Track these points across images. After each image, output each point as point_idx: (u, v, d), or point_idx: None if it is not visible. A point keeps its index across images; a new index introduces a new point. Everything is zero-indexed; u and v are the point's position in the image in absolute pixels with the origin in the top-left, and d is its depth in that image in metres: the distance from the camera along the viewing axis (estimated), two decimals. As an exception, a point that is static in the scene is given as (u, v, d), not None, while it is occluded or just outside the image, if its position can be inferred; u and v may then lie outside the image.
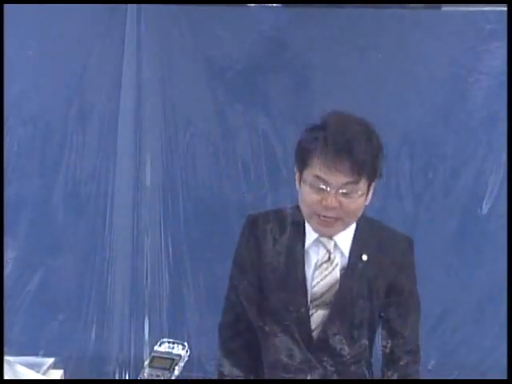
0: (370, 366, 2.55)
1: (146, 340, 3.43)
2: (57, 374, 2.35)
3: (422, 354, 3.42)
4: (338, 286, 2.40)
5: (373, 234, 2.42)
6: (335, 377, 2.44)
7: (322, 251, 2.42)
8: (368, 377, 2.54)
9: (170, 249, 3.42)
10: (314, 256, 2.42)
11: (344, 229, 2.39)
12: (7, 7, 3.00)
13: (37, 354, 2.53)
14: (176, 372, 1.90)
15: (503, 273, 3.09)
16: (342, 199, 2.31)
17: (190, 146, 3.47)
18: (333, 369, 2.44)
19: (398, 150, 3.44)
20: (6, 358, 2.18)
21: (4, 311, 2.84)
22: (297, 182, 2.40)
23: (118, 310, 3.45)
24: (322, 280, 2.41)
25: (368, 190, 2.37)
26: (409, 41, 3.40)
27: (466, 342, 3.46)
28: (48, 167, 3.48)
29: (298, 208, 2.41)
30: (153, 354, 1.93)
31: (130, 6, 3.41)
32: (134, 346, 3.44)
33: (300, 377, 2.44)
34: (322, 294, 2.42)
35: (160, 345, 1.95)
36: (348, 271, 2.40)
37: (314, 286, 2.41)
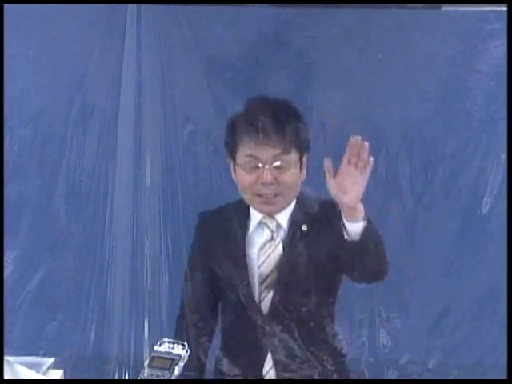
0: (334, 335, 2.57)
1: (145, 340, 3.43)
2: (57, 374, 2.35)
3: (422, 353, 3.45)
4: (281, 261, 2.44)
5: (311, 206, 2.44)
6: (295, 354, 2.49)
7: (266, 232, 2.50)
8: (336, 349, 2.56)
9: (170, 249, 3.41)
10: (259, 238, 2.51)
11: (286, 205, 2.47)
12: (7, 7, 3.01)
13: (37, 354, 2.54)
14: (176, 372, 1.90)
15: (503, 272, 3.09)
16: (277, 173, 2.41)
17: (190, 145, 3.47)
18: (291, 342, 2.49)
19: (397, 150, 3.45)
20: (6, 358, 2.18)
21: (4, 311, 2.84)
22: (233, 173, 2.50)
23: (118, 310, 3.45)
24: (266, 259, 2.49)
25: (301, 163, 2.45)
26: (409, 41, 3.40)
27: (466, 341, 3.46)
28: (48, 167, 3.48)
29: (242, 200, 2.51)
30: (153, 354, 1.94)
31: (130, 6, 3.40)
32: (133, 346, 3.44)
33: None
34: (269, 274, 2.48)
35: (160, 345, 1.96)
36: (289, 245, 2.47)
37: (260, 266, 2.49)
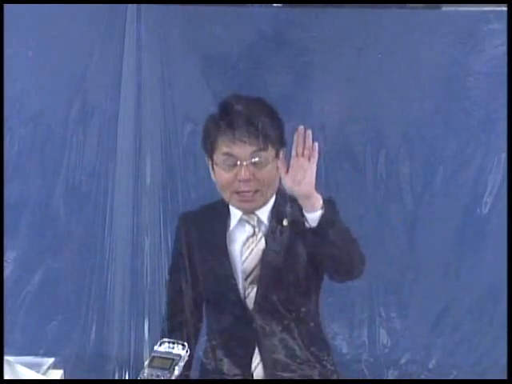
0: (318, 327, 2.58)
1: (145, 340, 3.43)
2: (57, 374, 2.35)
3: (422, 353, 3.45)
4: (265, 256, 2.47)
5: (292, 201, 2.44)
6: (280, 347, 2.50)
7: (248, 228, 2.51)
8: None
9: (170, 249, 3.41)
10: (240, 235, 2.52)
11: (265, 201, 2.48)
12: (7, 7, 3.01)
13: (37, 354, 2.54)
14: (176, 372, 1.90)
15: (503, 272, 3.09)
16: (254, 170, 2.43)
17: (190, 145, 3.47)
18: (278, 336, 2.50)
19: (397, 150, 3.45)
20: (6, 358, 2.18)
21: (4, 311, 2.85)
22: (212, 173, 2.52)
23: (118, 310, 3.45)
24: (249, 254, 2.50)
25: (277, 158, 2.45)
26: (408, 41, 3.40)
27: (466, 341, 3.46)
28: (48, 167, 3.48)
29: (222, 199, 2.53)
30: (153, 353, 1.94)
31: (130, 6, 3.40)
32: (133, 346, 3.44)
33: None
34: (253, 270, 2.49)
35: (160, 345, 1.96)
36: (271, 239, 2.48)
37: (244, 261, 2.51)
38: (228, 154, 2.44)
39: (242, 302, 2.49)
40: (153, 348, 1.96)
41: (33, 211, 3.48)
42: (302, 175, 2.31)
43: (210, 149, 2.50)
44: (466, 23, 3.40)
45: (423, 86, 3.41)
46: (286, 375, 2.49)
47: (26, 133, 3.47)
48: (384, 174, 3.44)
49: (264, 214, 2.51)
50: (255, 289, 2.49)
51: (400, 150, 3.45)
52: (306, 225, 2.35)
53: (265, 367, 2.49)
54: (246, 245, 2.51)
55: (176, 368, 1.91)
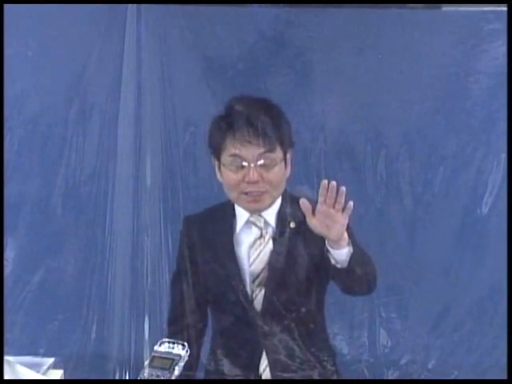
0: (325, 331, 2.58)
1: (146, 340, 3.43)
2: (57, 374, 2.35)
3: (422, 353, 3.44)
4: (272, 258, 2.46)
5: (298, 204, 2.43)
6: (284, 353, 2.49)
7: (255, 230, 2.50)
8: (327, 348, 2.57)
9: (170, 249, 3.41)
10: (247, 237, 2.51)
11: (271, 202, 2.48)
12: (7, 7, 3.01)
13: (37, 354, 2.54)
14: (176, 372, 1.90)
15: (503, 272, 3.09)
16: (262, 171, 2.42)
17: (190, 145, 3.47)
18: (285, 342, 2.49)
19: (397, 150, 3.45)
20: (6, 358, 2.18)
21: (4, 311, 2.84)
22: (218, 174, 2.51)
23: (118, 310, 3.45)
24: (257, 257, 2.49)
25: (285, 160, 2.46)
26: (409, 41, 3.40)
27: (466, 341, 3.46)
28: (48, 167, 3.48)
29: (228, 201, 2.52)
30: (153, 353, 1.94)
31: (130, 6, 3.40)
32: (134, 346, 3.44)
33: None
34: (261, 271, 2.48)
35: (160, 345, 1.96)
36: (279, 241, 2.47)
37: (251, 264, 2.50)
38: (236, 156, 2.43)
39: (249, 305, 2.48)
40: (153, 348, 1.96)
41: (33, 211, 3.48)
42: (331, 223, 2.30)
43: (216, 150, 2.48)
44: (465, 23, 3.40)
45: (423, 86, 3.41)
46: (293, 377, 2.49)
47: (26, 133, 3.47)
48: (384, 174, 3.44)
49: (271, 215, 2.50)
50: (263, 291, 2.48)
51: (400, 150, 3.45)
52: (332, 261, 2.35)
53: (273, 370, 2.49)
54: (253, 247, 2.50)
55: (176, 368, 1.90)
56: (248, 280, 2.48)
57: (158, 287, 3.44)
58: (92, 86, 3.44)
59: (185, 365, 1.93)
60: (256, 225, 2.50)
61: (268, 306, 2.47)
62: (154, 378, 1.89)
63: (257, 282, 2.48)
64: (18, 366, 2.19)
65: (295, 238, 2.46)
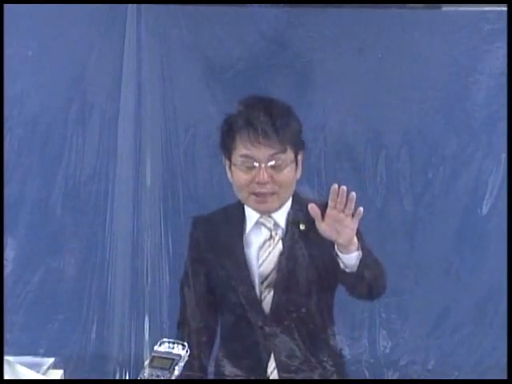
0: (334, 336, 2.58)
1: (146, 340, 3.43)
2: (57, 374, 2.35)
3: (423, 354, 3.44)
4: (282, 260, 2.46)
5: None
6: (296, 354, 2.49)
7: (264, 231, 2.50)
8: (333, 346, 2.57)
9: (170, 249, 3.41)
10: (257, 238, 2.50)
11: (281, 204, 2.47)
12: (7, 7, 3.01)
13: (37, 354, 2.54)
14: (176, 372, 1.90)
15: (503, 273, 3.09)
16: (272, 172, 2.42)
17: (190, 145, 3.47)
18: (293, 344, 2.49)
19: (398, 150, 3.45)
20: (6, 358, 2.18)
21: (4, 311, 2.84)
22: (228, 173, 2.51)
23: (118, 310, 3.45)
24: (266, 258, 2.49)
25: (296, 161, 2.46)
26: (409, 41, 3.40)
27: (466, 342, 3.46)
28: (48, 167, 3.48)
29: (237, 202, 2.52)
30: (153, 353, 1.94)
31: (130, 6, 3.40)
32: (134, 346, 3.44)
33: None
34: (270, 273, 2.48)
35: (160, 345, 1.96)
36: (289, 243, 2.47)
37: (260, 265, 2.49)
38: (246, 156, 2.43)
39: (257, 306, 2.48)
40: (153, 348, 1.96)
41: (33, 211, 3.48)
42: (341, 228, 2.30)
43: (227, 149, 2.48)
44: (465, 23, 3.40)
45: (423, 86, 3.41)
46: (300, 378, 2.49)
47: (26, 133, 3.47)
48: (384, 174, 3.44)
49: (281, 217, 2.50)
50: (271, 292, 2.47)
51: (400, 150, 3.45)
52: (341, 265, 2.36)
53: (281, 371, 2.48)
54: (262, 248, 2.49)
55: (176, 368, 1.90)
56: (257, 281, 2.48)
57: (158, 287, 3.44)
58: (92, 85, 3.44)
59: (185, 364, 1.93)
60: (265, 226, 2.50)
61: (276, 308, 2.46)
62: (153, 377, 1.89)
63: (265, 284, 2.48)
64: (18, 366, 2.19)
65: (305, 240, 2.45)
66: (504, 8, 3.25)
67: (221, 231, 2.54)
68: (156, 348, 1.95)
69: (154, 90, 3.44)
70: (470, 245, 3.47)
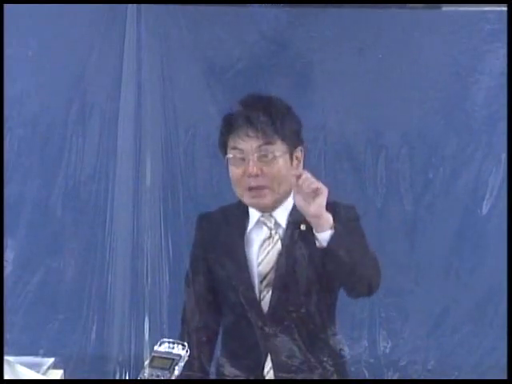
0: (334, 336, 2.57)
1: (146, 340, 3.43)
2: (57, 374, 2.35)
3: (423, 354, 3.44)
4: (280, 259, 2.46)
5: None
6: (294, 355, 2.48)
7: (265, 230, 2.51)
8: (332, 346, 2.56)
9: (170, 249, 3.41)
10: (257, 237, 2.51)
11: (276, 199, 2.48)
12: (7, 7, 3.01)
13: (37, 354, 2.54)
14: (176, 372, 1.90)
15: (503, 273, 3.09)
16: (262, 165, 2.44)
17: (190, 145, 3.47)
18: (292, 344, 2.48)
19: (397, 150, 3.45)
20: (6, 358, 2.18)
21: (4, 311, 2.84)
22: (229, 170, 2.51)
23: (118, 310, 3.45)
24: (265, 257, 2.49)
25: (291, 155, 2.46)
26: (409, 41, 3.40)
27: (466, 342, 3.46)
28: (48, 167, 3.48)
29: (240, 201, 2.52)
30: (153, 353, 1.94)
31: (130, 6, 3.41)
32: (134, 346, 3.44)
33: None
34: (268, 272, 2.48)
35: (160, 345, 1.95)
36: (288, 243, 2.47)
37: (259, 264, 2.49)
38: (236, 149, 2.46)
39: (257, 306, 2.48)
40: (153, 348, 1.96)
41: (33, 211, 3.48)
42: (312, 196, 2.32)
43: (223, 147, 2.52)
44: (465, 23, 3.40)
45: (423, 86, 3.41)
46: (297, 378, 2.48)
47: (26, 133, 3.47)
48: (384, 174, 3.44)
49: (282, 216, 2.50)
50: (270, 292, 2.48)
51: (400, 150, 3.45)
52: (317, 244, 2.36)
53: (280, 372, 2.48)
54: (262, 247, 2.50)
55: (176, 368, 1.90)
56: (256, 281, 2.48)
57: (158, 287, 3.44)
58: (92, 85, 3.44)
59: (185, 364, 1.93)
60: (266, 225, 2.50)
61: (275, 308, 2.46)
62: (154, 377, 1.89)
63: (264, 283, 2.48)
64: (18, 366, 2.19)
65: (304, 240, 2.45)
66: (504, 8, 3.25)
67: (224, 229, 2.55)
68: (156, 348, 1.95)
69: (154, 90, 3.44)
70: (470, 245, 3.47)
